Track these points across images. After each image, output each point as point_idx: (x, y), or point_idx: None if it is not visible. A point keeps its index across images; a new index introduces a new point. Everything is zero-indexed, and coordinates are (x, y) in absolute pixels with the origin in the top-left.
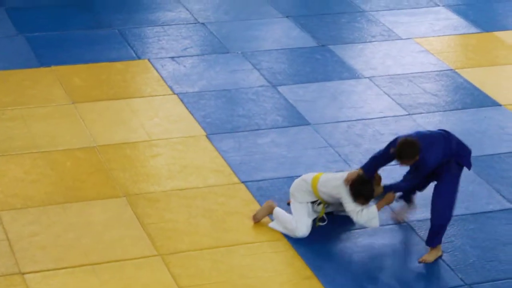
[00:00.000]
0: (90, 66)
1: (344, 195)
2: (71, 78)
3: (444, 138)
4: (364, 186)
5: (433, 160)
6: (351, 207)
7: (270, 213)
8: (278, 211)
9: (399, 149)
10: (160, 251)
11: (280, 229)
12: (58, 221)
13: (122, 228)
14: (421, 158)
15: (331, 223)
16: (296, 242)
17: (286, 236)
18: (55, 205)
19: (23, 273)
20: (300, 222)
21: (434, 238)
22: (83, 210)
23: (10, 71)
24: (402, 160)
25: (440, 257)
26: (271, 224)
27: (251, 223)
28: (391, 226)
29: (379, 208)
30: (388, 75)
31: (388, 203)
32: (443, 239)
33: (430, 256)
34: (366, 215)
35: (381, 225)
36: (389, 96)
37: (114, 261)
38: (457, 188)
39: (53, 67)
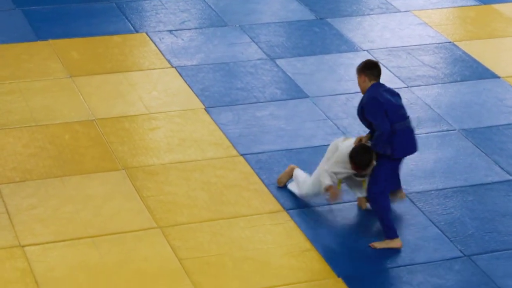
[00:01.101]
0: (87, 40)
1: (334, 157)
2: (69, 52)
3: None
4: (363, 155)
5: (378, 102)
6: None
7: (291, 176)
8: (297, 172)
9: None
10: (159, 224)
11: (297, 191)
12: (57, 194)
13: (121, 201)
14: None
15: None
16: (296, 214)
17: (286, 208)
18: (53, 178)
19: (23, 246)
20: (323, 176)
21: (384, 230)
22: (82, 183)
23: (7, 45)
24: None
25: (397, 248)
26: (290, 186)
27: (250, 195)
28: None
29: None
30: (387, 47)
31: None
32: (441, 211)
33: (381, 244)
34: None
35: None
36: (387, 68)
37: (114, 234)
38: (385, 176)
39: (50, 41)
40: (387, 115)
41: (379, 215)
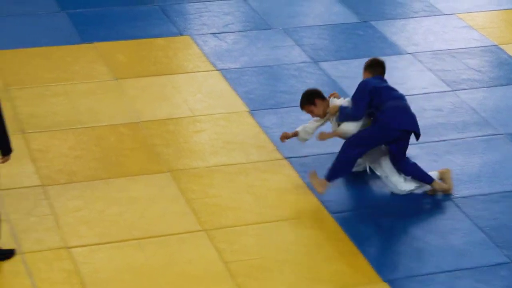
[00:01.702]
0: (132, 43)
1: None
2: (114, 54)
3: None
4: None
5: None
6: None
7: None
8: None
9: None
10: (204, 226)
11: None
12: (102, 196)
13: (166, 203)
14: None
15: (378, 199)
16: (340, 217)
17: (330, 211)
18: (99, 180)
19: (69, 247)
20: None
21: (329, 170)
22: (127, 185)
23: (52, 47)
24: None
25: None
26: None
27: (294, 198)
28: (433, 203)
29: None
30: (431, 51)
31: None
32: (487, 216)
33: (314, 177)
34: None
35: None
36: (432, 72)
37: (159, 236)
38: (368, 139)
39: (96, 43)
40: (377, 96)
41: (337, 159)
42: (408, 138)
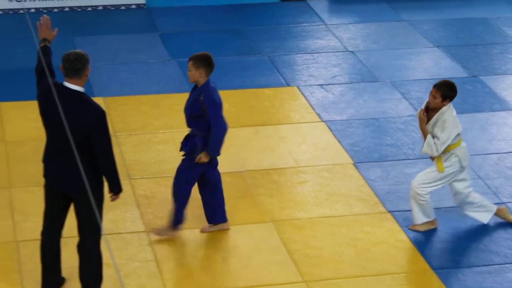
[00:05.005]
0: (240, 92)
1: None
2: None
3: None
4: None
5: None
6: None
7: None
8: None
9: None
10: (305, 278)
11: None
12: (205, 244)
13: (268, 253)
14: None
15: (480, 256)
16: (444, 274)
17: (434, 267)
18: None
19: None
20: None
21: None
22: (230, 234)
23: (162, 95)
24: None
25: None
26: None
27: (397, 253)
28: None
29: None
30: None
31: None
32: None
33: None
34: None
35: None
36: None
37: (261, 286)
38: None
39: None
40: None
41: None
42: None
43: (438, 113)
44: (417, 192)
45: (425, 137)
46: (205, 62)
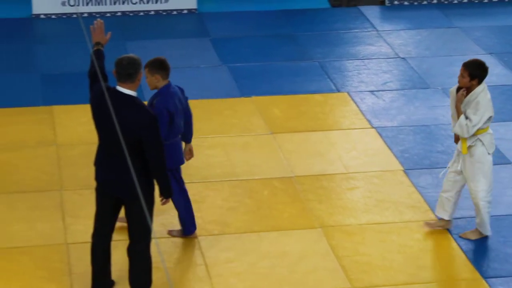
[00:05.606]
0: (289, 97)
1: None
2: (271, 109)
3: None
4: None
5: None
6: None
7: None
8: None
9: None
10: (354, 285)
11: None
12: (254, 249)
13: (316, 259)
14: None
15: None
16: (497, 283)
17: (485, 276)
18: (251, 233)
19: None
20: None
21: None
22: (278, 239)
23: (212, 100)
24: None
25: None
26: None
27: (447, 261)
28: None
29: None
30: None
31: None
32: None
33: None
34: None
35: None
36: None
37: None
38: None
39: (253, 97)
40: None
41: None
42: None
43: (471, 93)
44: (488, 200)
45: (458, 116)
46: (159, 67)
